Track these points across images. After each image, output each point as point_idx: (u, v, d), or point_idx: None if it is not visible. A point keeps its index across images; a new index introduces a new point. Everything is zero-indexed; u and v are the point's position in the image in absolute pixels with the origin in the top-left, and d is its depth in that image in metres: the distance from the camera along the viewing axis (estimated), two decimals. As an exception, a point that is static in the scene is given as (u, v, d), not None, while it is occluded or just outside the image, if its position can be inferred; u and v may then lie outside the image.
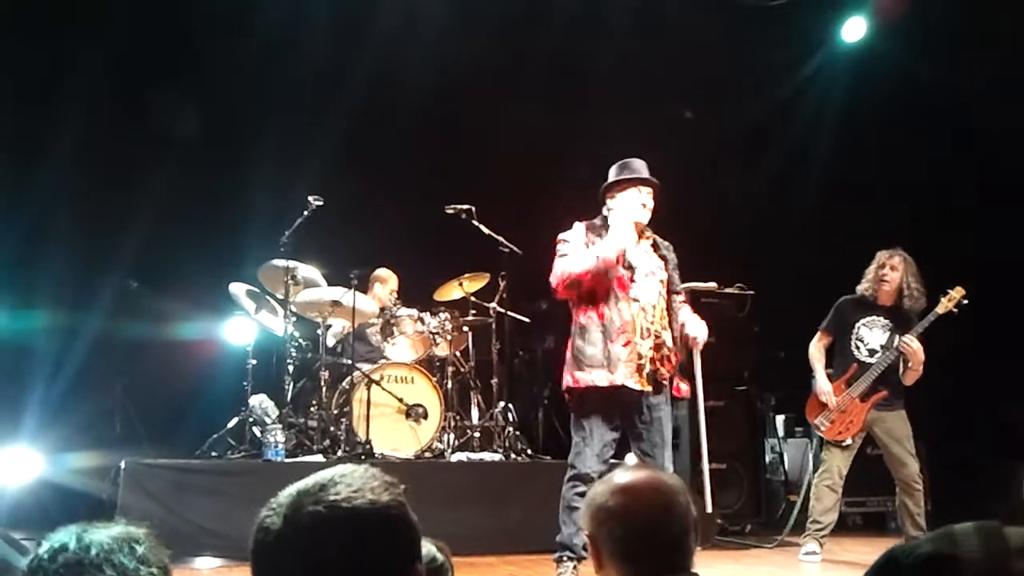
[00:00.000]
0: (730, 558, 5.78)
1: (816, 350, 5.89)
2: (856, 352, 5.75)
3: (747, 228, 8.28)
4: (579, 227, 4.44)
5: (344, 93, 7.50)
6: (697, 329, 4.47)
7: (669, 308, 4.45)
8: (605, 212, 4.49)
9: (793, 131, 8.41)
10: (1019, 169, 7.53)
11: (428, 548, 2.04)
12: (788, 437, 7.60)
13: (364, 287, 6.67)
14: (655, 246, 4.54)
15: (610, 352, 4.24)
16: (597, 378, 4.24)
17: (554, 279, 4.35)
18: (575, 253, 4.34)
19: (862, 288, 5.83)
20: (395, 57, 7.47)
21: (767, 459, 7.50)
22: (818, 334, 5.94)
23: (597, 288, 4.31)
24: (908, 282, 5.68)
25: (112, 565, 1.42)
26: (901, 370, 5.65)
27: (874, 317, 5.75)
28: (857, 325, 5.76)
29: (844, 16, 8.37)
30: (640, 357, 4.26)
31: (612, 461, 4.28)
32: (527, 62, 7.84)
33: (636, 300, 4.34)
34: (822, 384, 5.79)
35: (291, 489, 1.35)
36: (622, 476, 1.93)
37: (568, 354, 4.41)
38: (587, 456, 4.25)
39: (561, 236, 4.43)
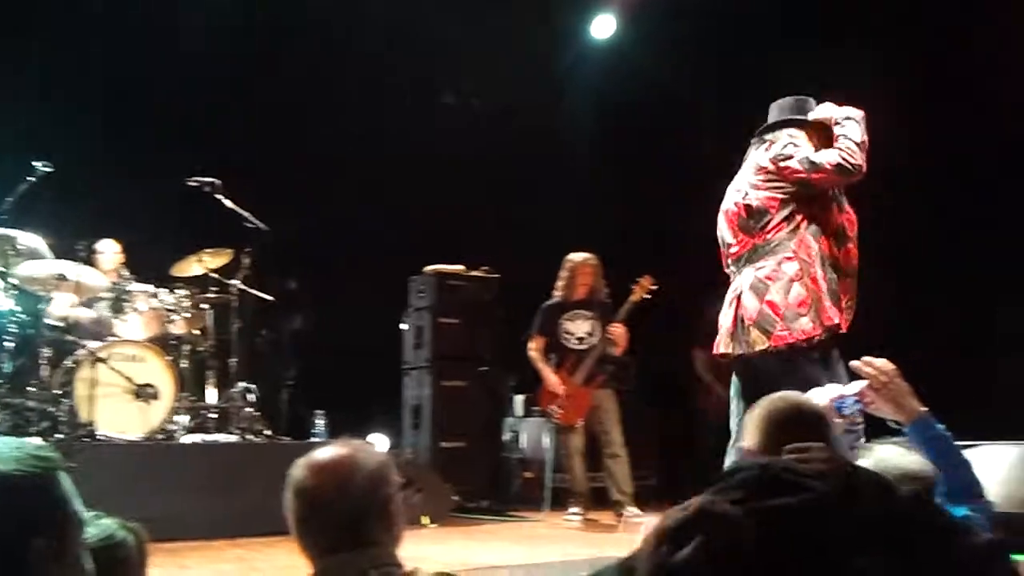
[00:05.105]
0: (463, 534, 5.95)
1: (536, 353, 6.58)
2: (566, 343, 6.50)
3: (496, 212, 8.45)
4: None
5: (81, 49, 7.04)
6: None
7: None
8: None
9: (548, 121, 8.64)
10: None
11: (107, 525, 1.95)
12: (526, 416, 7.88)
13: (91, 259, 6.32)
14: None
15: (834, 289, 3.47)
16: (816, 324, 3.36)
17: (855, 156, 3.31)
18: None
19: (559, 293, 6.57)
20: (144, 12, 7.13)
21: (506, 437, 7.78)
22: (533, 339, 6.58)
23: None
24: (599, 280, 6.53)
25: None
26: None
27: (574, 311, 6.52)
28: (561, 321, 6.50)
29: (594, 12, 8.68)
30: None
31: None
32: (280, 36, 7.71)
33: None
34: (550, 378, 6.47)
35: None
36: (321, 452, 1.96)
37: (784, 298, 3.39)
38: None
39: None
